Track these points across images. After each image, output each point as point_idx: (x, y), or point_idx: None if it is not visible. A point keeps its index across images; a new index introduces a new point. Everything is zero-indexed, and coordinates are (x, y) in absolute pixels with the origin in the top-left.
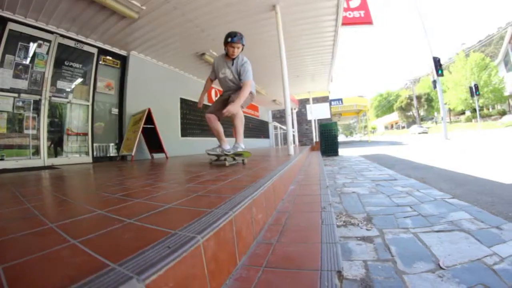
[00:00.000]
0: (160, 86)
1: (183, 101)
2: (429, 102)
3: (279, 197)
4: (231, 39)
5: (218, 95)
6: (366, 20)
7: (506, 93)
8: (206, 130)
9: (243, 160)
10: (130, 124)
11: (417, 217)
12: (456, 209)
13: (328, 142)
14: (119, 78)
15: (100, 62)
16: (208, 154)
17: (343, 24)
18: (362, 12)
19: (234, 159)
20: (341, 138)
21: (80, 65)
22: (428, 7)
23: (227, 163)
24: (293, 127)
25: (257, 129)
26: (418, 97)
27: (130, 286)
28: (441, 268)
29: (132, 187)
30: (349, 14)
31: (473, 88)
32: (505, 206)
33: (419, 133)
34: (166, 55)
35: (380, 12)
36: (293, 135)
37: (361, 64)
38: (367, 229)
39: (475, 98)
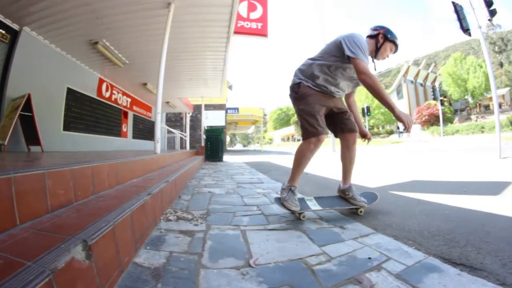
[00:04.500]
0: (48, 71)
1: (70, 92)
2: None
3: (106, 184)
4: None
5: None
6: (262, 33)
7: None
8: (92, 126)
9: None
10: (8, 109)
11: (258, 216)
12: None
13: (213, 148)
14: (5, 55)
15: None
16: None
17: (240, 33)
18: (259, 24)
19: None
20: (238, 147)
21: None
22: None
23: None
24: (185, 132)
25: (147, 130)
26: None
27: None
28: (250, 266)
29: None
30: (247, 24)
31: (365, 109)
32: None
33: None
34: (60, 38)
35: (283, 29)
36: (185, 140)
37: (266, 78)
38: (195, 224)
39: (366, 118)
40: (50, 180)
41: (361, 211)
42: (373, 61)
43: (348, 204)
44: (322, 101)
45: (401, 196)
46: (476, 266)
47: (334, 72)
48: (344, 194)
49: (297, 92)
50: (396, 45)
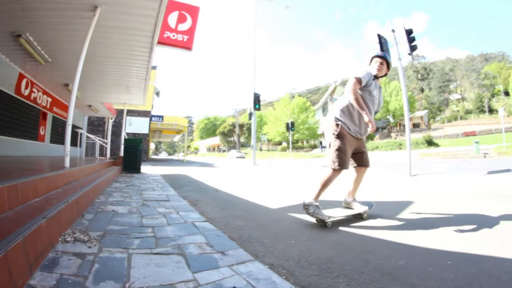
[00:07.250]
0: None
1: None
2: (250, 131)
3: (6, 207)
4: (378, 53)
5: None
6: (186, 46)
7: (319, 132)
8: (6, 127)
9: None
10: None
11: (150, 238)
12: (197, 232)
13: (131, 159)
14: None
15: None
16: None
17: (165, 43)
18: (186, 37)
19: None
20: (163, 155)
21: None
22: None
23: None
24: (106, 138)
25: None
26: (241, 125)
27: None
28: None
29: None
30: (173, 35)
31: (289, 124)
32: (251, 230)
33: (237, 157)
34: None
35: (213, 41)
36: (106, 148)
37: (195, 86)
38: (89, 247)
39: (290, 133)
40: None
41: (365, 216)
42: (377, 79)
43: (353, 212)
44: (353, 144)
45: (297, 219)
46: None
47: (358, 115)
48: (349, 205)
49: (336, 131)
50: (378, 56)
